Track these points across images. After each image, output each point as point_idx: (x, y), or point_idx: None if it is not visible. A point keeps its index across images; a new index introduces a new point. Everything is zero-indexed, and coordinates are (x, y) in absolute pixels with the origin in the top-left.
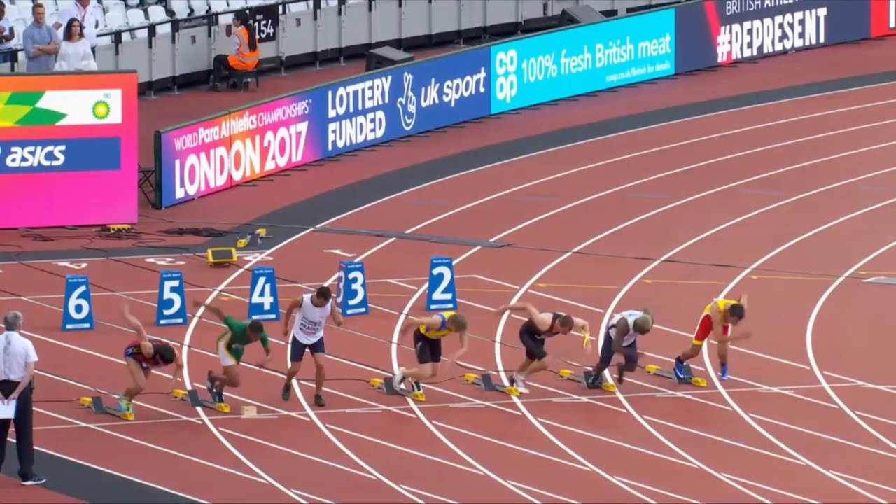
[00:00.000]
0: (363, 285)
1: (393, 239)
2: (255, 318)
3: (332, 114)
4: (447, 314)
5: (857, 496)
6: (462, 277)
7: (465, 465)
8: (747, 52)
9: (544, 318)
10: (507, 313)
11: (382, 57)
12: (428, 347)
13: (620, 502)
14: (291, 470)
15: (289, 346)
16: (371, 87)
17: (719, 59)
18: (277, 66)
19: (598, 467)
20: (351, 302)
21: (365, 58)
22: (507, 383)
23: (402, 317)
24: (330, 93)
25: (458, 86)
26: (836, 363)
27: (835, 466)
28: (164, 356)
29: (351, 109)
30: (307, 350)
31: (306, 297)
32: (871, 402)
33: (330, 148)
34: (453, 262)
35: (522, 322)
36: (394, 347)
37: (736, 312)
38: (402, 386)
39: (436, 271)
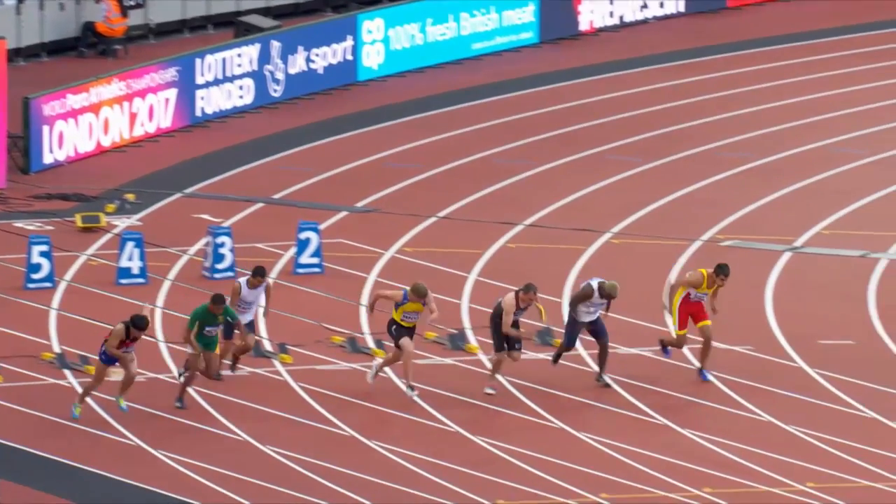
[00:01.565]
0: (231, 250)
1: (261, 204)
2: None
3: (200, 81)
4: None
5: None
6: (329, 242)
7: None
8: (609, 22)
9: (509, 300)
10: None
11: (250, 24)
12: (405, 333)
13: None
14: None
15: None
16: (239, 55)
17: (582, 28)
18: (146, 34)
19: (463, 428)
20: (219, 266)
21: (233, 25)
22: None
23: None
24: (198, 60)
25: (325, 53)
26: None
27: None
28: (137, 324)
29: (219, 76)
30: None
31: (242, 281)
32: (723, 361)
33: (198, 114)
34: (320, 227)
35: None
36: (260, 310)
37: (723, 271)
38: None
39: (303, 236)
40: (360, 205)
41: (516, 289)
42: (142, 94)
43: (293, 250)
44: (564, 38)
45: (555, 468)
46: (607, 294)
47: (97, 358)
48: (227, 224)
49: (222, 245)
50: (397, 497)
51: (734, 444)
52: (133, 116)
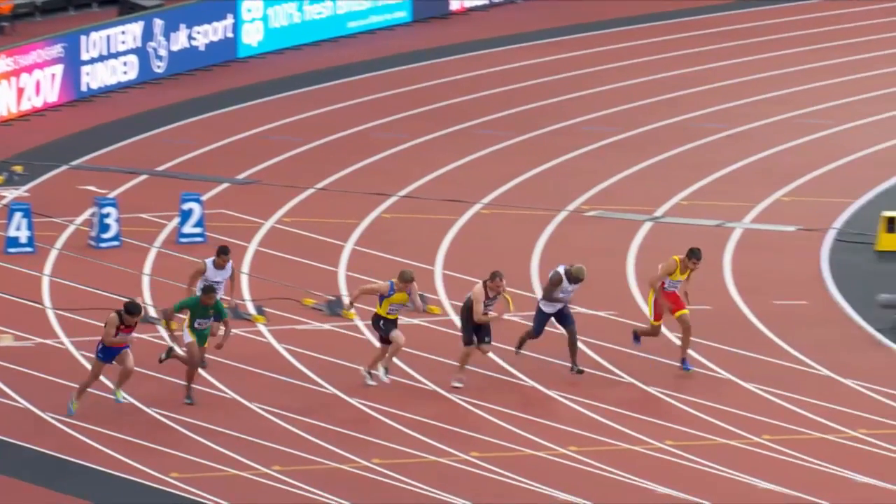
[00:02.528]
0: (117, 220)
1: (145, 176)
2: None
3: (85, 57)
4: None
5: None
6: (211, 212)
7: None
8: (479, 2)
9: (477, 290)
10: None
11: (134, 3)
12: (393, 326)
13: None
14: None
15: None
16: (123, 32)
17: (453, 8)
18: (32, 11)
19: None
20: (104, 235)
21: (117, 3)
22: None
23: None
24: (83, 37)
25: (206, 31)
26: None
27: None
28: (130, 310)
29: (104, 53)
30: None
31: (208, 261)
32: (591, 326)
33: (84, 89)
34: (202, 198)
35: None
36: (145, 279)
37: (695, 255)
38: (371, 381)
39: (186, 206)
40: (240, 177)
41: (483, 279)
42: (28, 69)
43: (176, 220)
44: (436, 17)
45: (428, 428)
46: (575, 278)
47: (94, 356)
48: (112, 195)
49: (108, 215)
50: (265, 453)
51: (602, 406)
52: (20, 91)
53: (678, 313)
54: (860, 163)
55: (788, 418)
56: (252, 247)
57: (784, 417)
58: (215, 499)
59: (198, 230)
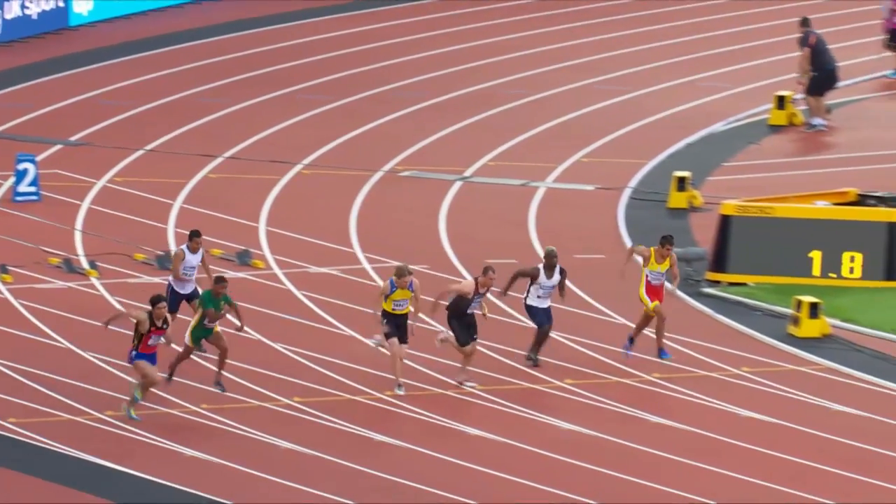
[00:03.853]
0: None
1: None
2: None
3: None
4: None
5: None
6: (46, 172)
7: None
8: None
9: (467, 285)
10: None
11: None
12: (395, 326)
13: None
14: None
15: (168, 299)
16: None
17: None
18: None
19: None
20: None
21: None
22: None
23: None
24: None
25: (38, 0)
26: (376, 246)
27: (362, 331)
28: (154, 301)
29: None
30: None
31: (183, 247)
32: None
33: None
34: (37, 159)
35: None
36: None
37: (666, 240)
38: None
39: (21, 166)
40: (73, 138)
41: (474, 276)
42: None
43: (12, 180)
44: None
45: (253, 374)
46: (547, 258)
47: (130, 363)
48: None
49: None
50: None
51: (421, 355)
52: None
53: (653, 304)
54: (653, 126)
55: (587, 363)
56: (84, 205)
57: (584, 363)
58: (51, 442)
59: (32, 189)
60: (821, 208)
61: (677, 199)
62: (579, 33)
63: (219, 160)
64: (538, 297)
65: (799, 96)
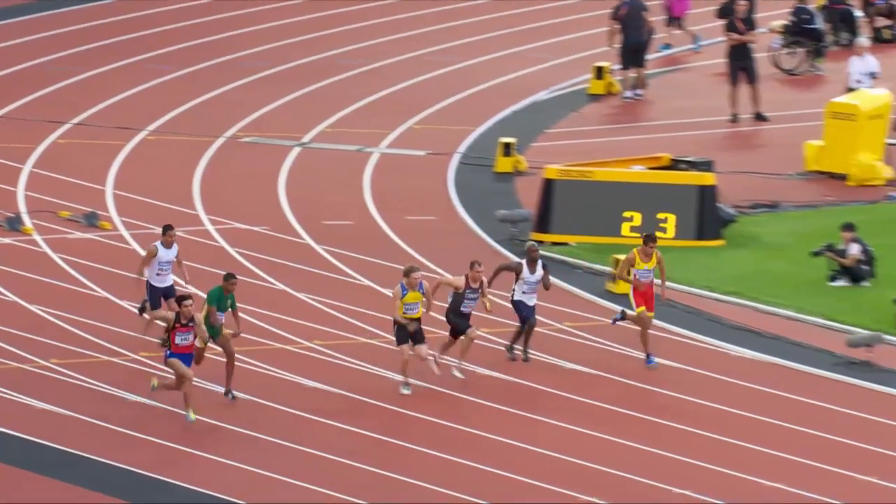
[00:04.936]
0: None
1: None
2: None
3: None
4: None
5: None
6: None
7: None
8: None
9: (458, 278)
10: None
11: None
12: (405, 332)
13: None
14: None
15: (148, 295)
16: None
17: None
18: None
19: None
20: None
21: None
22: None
23: None
24: None
25: None
26: (218, 208)
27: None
28: (179, 301)
29: None
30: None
31: (157, 244)
32: (246, 240)
33: None
34: None
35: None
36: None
37: (649, 238)
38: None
39: None
40: None
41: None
42: None
43: None
44: None
45: (100, 330)
46: (530, 254)
47: (169, 360)
48: None
49: None
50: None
51: (262, 312)
52: None
53: (639, 309)
54: (481, 95)
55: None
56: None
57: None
58: None
59: None
60: (636, 172)
61: (503, 164)
62: (413, 7)
63: (67, 126)
64: (524, 292)
65: (616, 67)
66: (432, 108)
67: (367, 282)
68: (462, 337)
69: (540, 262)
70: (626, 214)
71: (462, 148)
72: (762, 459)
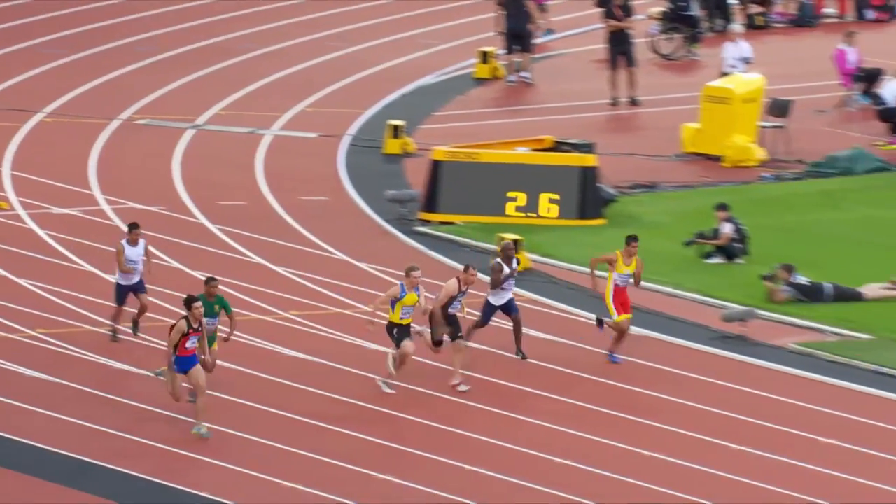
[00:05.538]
0: None
1: None
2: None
3: None
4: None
5: None
6: None
7: None
8: None
9: (451, 284)
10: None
11: None
12: (405, 334)
13: None
14: None
15: (115, 293)
16: None
17: None
18: None
19: None
20: None
21: None
22: None
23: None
24: None
25: None
26: (114, 189)
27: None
28: (187, 303)
29: None
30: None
31: (123, 242)
32: (142, 220)
33: None
34: None
35: None
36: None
37: (632, 238)
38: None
39: None
40: None
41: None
42: None
43: None
44: None
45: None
46: (505, 252)
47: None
48: None
49: None
50: None
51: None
52: None
53: (620, 317)
54: (370, 79)
55: (312, 296)
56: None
57: (309, 295)
58: None
59: None
60: (521, 154)
61: (392, 146)
62: None
63: None
64: (503, 288)
65: (501, 52)
66: (323, 92)
67: (259, 259)
68: (450, 347)
69: (515, 259)
70: (511, 194)
71: (352, 130)
72: (638, 429)
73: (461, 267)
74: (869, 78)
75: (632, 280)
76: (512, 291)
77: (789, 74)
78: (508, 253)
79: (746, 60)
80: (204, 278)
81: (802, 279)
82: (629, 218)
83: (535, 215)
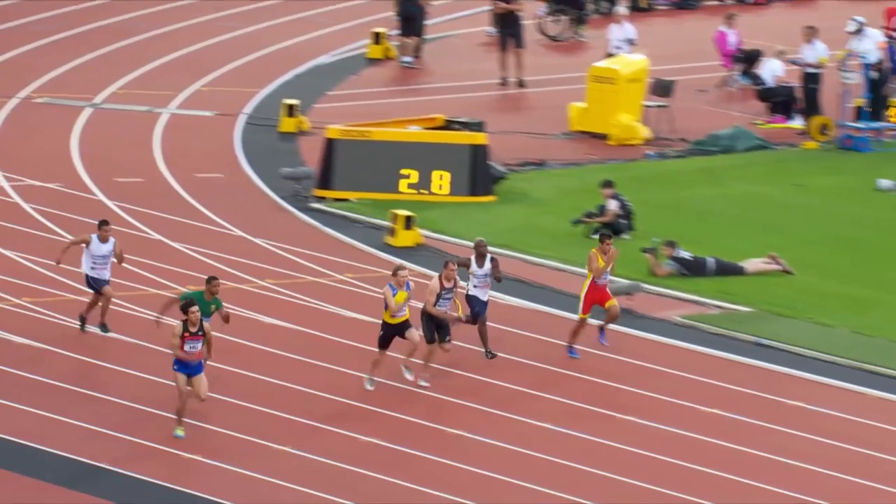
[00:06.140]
0: None
1: None
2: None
3: None
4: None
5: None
6: None
7: None
8: None
9: (433, 283)
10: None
11: None
12: (394, 333)
13: None
14: None
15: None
16: None
17: None
18: None
19: None
20: None
21: None
22: None
23: None
24: None
25: None
26: (14, 166)
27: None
28: (186, 306)
29: None
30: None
31: (93, 236)
32: (40, 197)
33: None
34: None
35: None
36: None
37: (604, 236)
38: (409, 376)
39: None
40: None
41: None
42: None
43: None
44: None
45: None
46: (478, 249)
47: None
48: None
49: None
50: None
51: (45, 261)
52: None
53: (608, 303)
54: (266, 59)
55: (209, 271)
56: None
57: (206, 270)
58: None
59: None
60: (413, 132)
61: (287, 125)
62: None
63: None
64: (475, 286)
65: (394, 33)
66: (220, 71)
67: (158, 236)
68: (434, 345)
69: (489, 257)
70: (404, 172)
71: (248, 109)
72: (524, 399)
73: (354, 242)
74: (748, 59)
75: (609, 276)
76: (488, 292)
77: (672, 55)
78: (481, 250)
79: (631, 42)
80: (206, 278)
81: (685, 254)
82: (518, 195)
83: (427, 192)
